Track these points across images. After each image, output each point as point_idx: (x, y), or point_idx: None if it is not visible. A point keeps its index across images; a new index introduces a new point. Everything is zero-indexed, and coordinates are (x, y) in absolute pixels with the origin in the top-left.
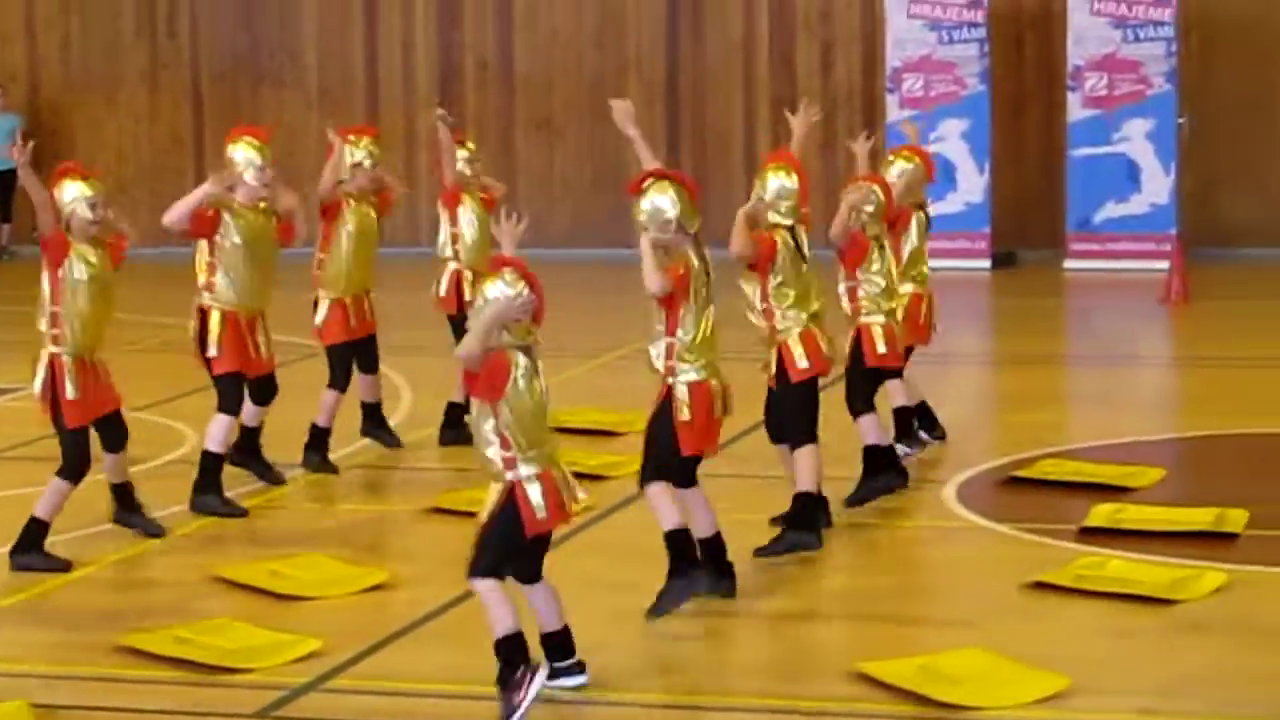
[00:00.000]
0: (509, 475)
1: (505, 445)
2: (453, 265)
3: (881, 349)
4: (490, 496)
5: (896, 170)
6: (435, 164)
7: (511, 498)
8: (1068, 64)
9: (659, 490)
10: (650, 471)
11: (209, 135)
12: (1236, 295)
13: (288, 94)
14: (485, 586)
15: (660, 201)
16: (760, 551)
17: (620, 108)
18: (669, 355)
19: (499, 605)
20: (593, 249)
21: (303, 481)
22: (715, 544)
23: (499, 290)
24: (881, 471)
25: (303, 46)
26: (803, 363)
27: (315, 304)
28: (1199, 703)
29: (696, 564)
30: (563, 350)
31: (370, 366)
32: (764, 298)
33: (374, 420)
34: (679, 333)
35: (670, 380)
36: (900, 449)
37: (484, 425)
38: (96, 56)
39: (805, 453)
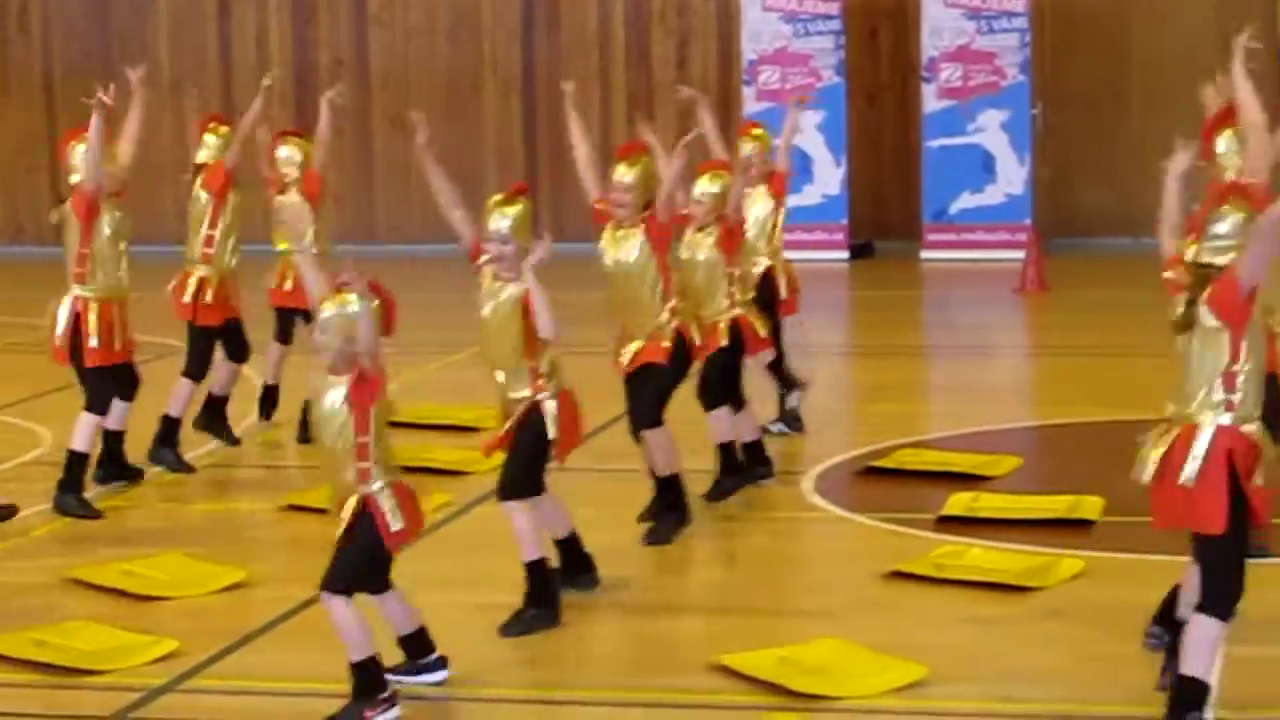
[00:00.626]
0: (363, 488)
1: (363, 456)
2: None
3: (762, 334)
4: (345, 511)
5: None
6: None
7: (368, 511)
8: (922, 56)
9: (523, 515)
10: (510, 488)
11: (62, 131)
12: (1091, 284)
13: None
14: (340, 606)
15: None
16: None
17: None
18: (534, 378)
19: (356, 630)
20: (449, 244)
21: (160, 480)
22: (572, 542)
23: (357, 307)
24: (738, 468)
25: (155, 41)
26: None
27: (184, 285)
28: (1056, 689)
29: (555, 597)
30: (419, 346)
31: (239, 355)
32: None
33: (213, 414)
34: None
35: (539, 398)
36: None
37: (348, 436)
38: None
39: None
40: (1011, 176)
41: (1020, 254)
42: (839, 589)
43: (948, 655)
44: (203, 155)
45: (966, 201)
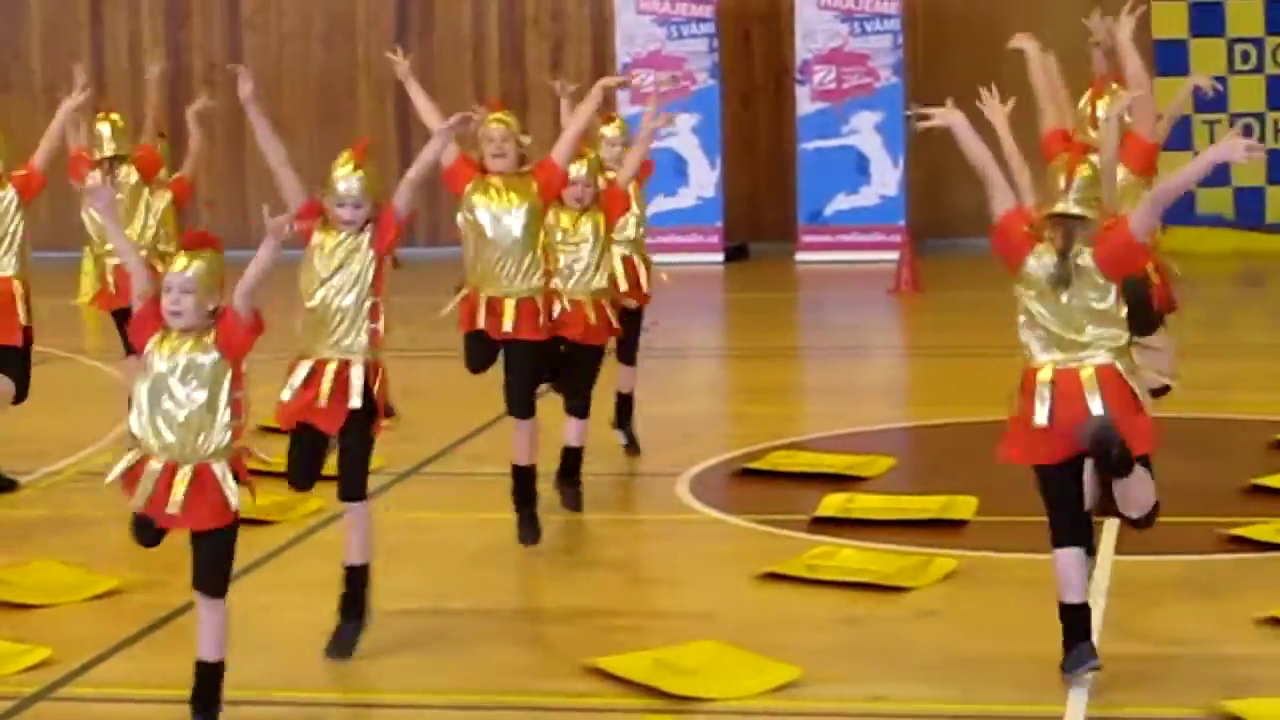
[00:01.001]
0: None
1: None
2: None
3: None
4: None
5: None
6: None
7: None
8: (796, 58)
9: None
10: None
11: None
12: (965, 285)
13: (14, 96)
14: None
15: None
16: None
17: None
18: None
19: (224, 628)
20: None
21: (37, 487)
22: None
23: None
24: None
25: (28, 48)
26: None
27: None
28: (929, 688)
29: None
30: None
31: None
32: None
33: None
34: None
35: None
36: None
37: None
38: None
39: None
40: (886, 178)
41: (894, 255)
42: (713, 591)
43: (821, 656)
44: (110, 148)
45: (841, 203)
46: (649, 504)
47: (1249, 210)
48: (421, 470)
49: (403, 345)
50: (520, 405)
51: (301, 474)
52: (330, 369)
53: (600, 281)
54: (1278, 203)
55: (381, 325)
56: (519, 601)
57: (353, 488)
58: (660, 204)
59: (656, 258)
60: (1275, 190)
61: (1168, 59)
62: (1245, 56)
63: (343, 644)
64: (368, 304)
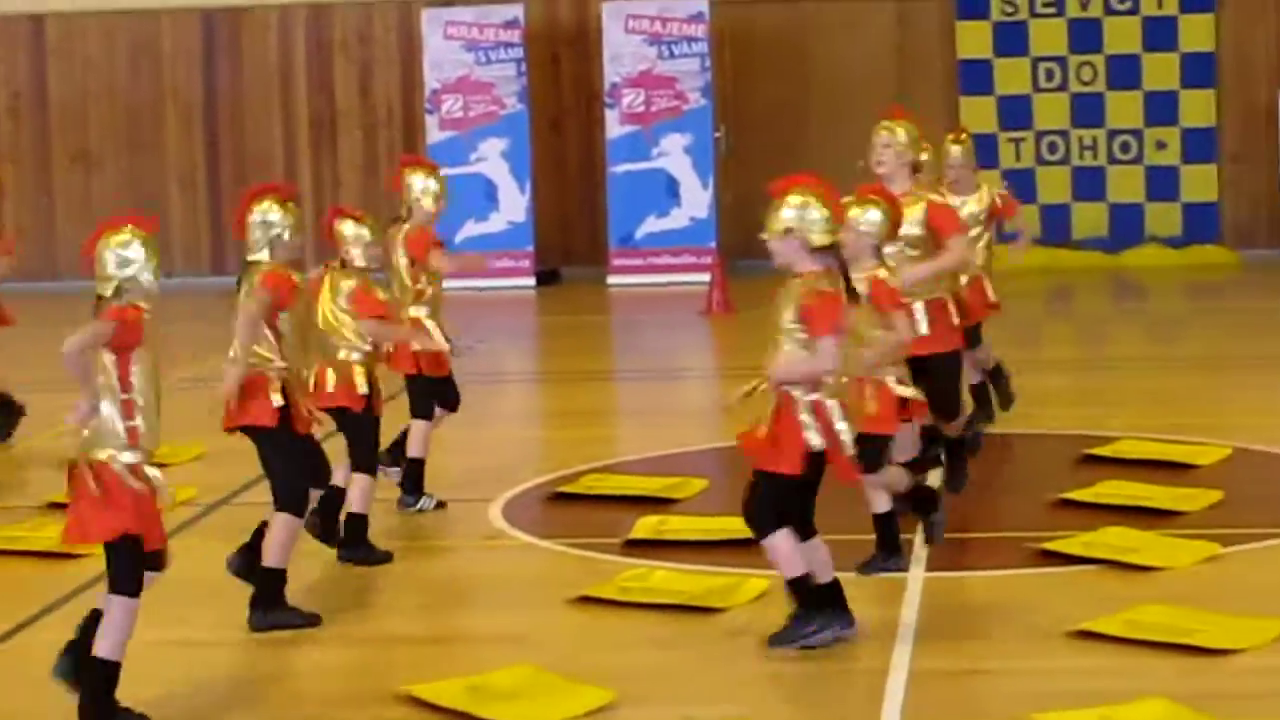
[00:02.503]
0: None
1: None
2: None
3: None
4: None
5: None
6: None
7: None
8: (605, 81)
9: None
10: None
11: None
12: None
13: None
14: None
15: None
16: None
17: None
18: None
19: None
20: None
21: None
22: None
23: None
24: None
25: None
26: None
27: None
28: (742, 708)
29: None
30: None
31: None
32: None
33: None
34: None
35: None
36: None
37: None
38: None
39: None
40: (696, 200)
41: (706, 277)
42: (527, 615)
43: (635, 678)
44: None
45: (652, 226)
46: (462, 529)
47: (1055, 227)
48: (233, 500)
49: None
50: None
51: None
52: None
53: None
54: (1084, 219)
55: None
56: (333, 629)
57: None
58: (471, 229)
59: (469, 282)
60: (1081, 207)
61: (972, 78)
62: (1049, 75)
63: None
64: None
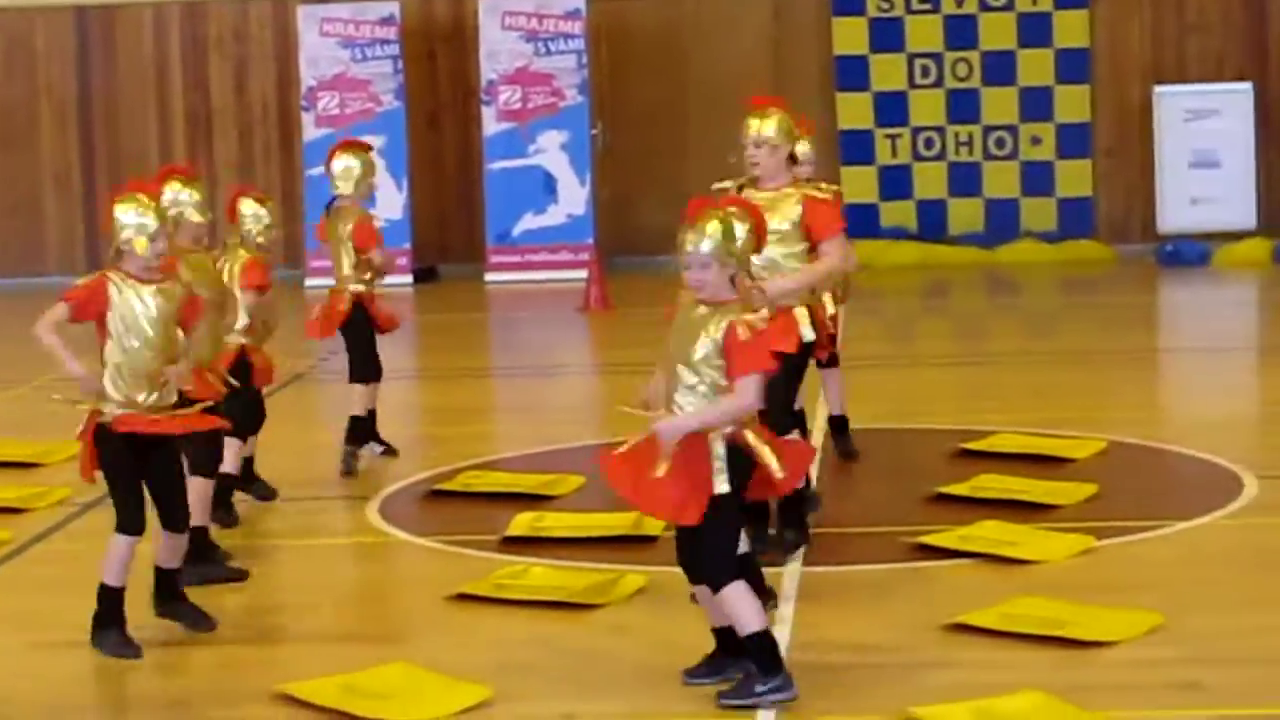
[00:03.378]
0: None
1: None
2: None
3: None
4: None
5: None
6: None
7: None
8: (481, 78)
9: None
10: None
11: None
12: (653, 301)
13: None
14: None
15: None
16: None
17: None
18: None
19: None
20: (5, 279)
21: None
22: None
23: None
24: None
25: None
26: None
27: None
28: (619, 703)
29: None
30: None
31: None
32: None
33: None
34: None
35: None
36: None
37: None
38: None
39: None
40: (573, 197)
41: (583, 274)
42: (403, 613)
43: (511, 675)
44: None
45: (529, 223)
46: (340, 527)
47: (931, 223)
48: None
49: None
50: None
51: None
52: None
53: None
54: (959, 215)
55: None
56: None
57: None
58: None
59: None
60: (956, 203)
61: (848, 74)
62: (925, 71)
63: None
64: None
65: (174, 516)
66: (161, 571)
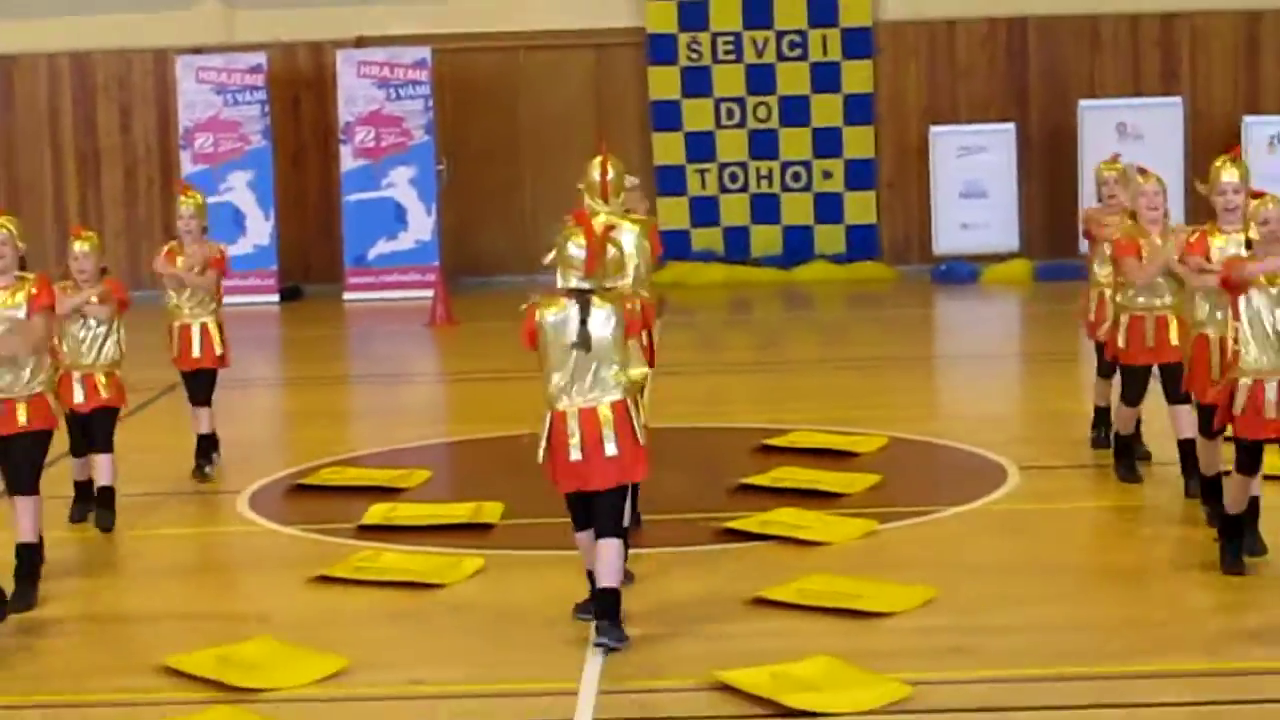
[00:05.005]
0: None
1: None
2: None
3: None
4: None
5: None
6: None
7: None
8: (340, 120)
9: None
10: None
11: None
12: (493, 316)
13: None
14: None
15: None
16: None
17: None
18: None
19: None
20: None
21: None
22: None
23: None
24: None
25: None
26: None
27: None
28: (462, 671)
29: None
30: None
31: None
32: None
33: None
34: None
35: None
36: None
37: None
38: None
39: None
40: (421, 225)
41: (430, 293)
42: (270, 593)
43: (366, 647)
44: None
45: (383, 248)
46: (213, 516)
47: (736, 246)
48: None
49: None
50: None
51: None
52: None
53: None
54: (760, 239)
55: None
56: (95, 606)
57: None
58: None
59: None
60: (757, 229)
61: (663, 116)
62: (730, 113)
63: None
64: None
65: None
66: None
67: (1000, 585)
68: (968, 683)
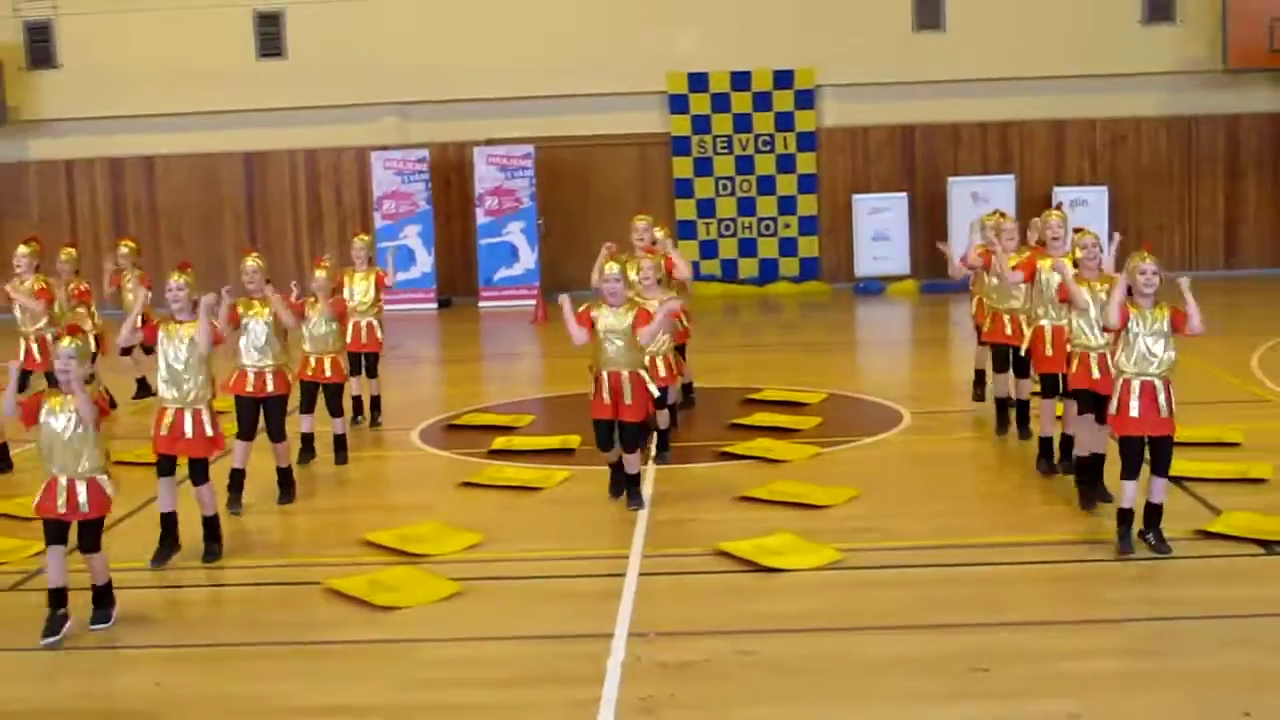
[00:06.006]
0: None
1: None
2: None
3: None
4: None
5: None
6: None
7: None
8: (475, 192)
9: None
10: None
11: None
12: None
13: None
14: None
15: None
16: None
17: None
18: None
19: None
20: None
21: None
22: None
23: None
24: None
25: None
26: None
27: None
28: (554, 542)
29: None
30: None
31: None
32: None
33: None
34: None
35: None
36: None
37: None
38: None
39: None
40: (527, 259)
41: (533, 302)
42: (433, 493)
43: (495, 528)
44: None
45: (503, 273)
46: (397, 445)
47: (729, 272)
48: None
49: None
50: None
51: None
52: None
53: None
54: (744, 267)
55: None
56: (323, 502)
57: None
58: (401, 277)
59: (403, 308)
60: (743, 260)
61: (682, 189)
62: (725, 186)
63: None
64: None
65: None
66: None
67: (901, 489)
68: (878, 550)
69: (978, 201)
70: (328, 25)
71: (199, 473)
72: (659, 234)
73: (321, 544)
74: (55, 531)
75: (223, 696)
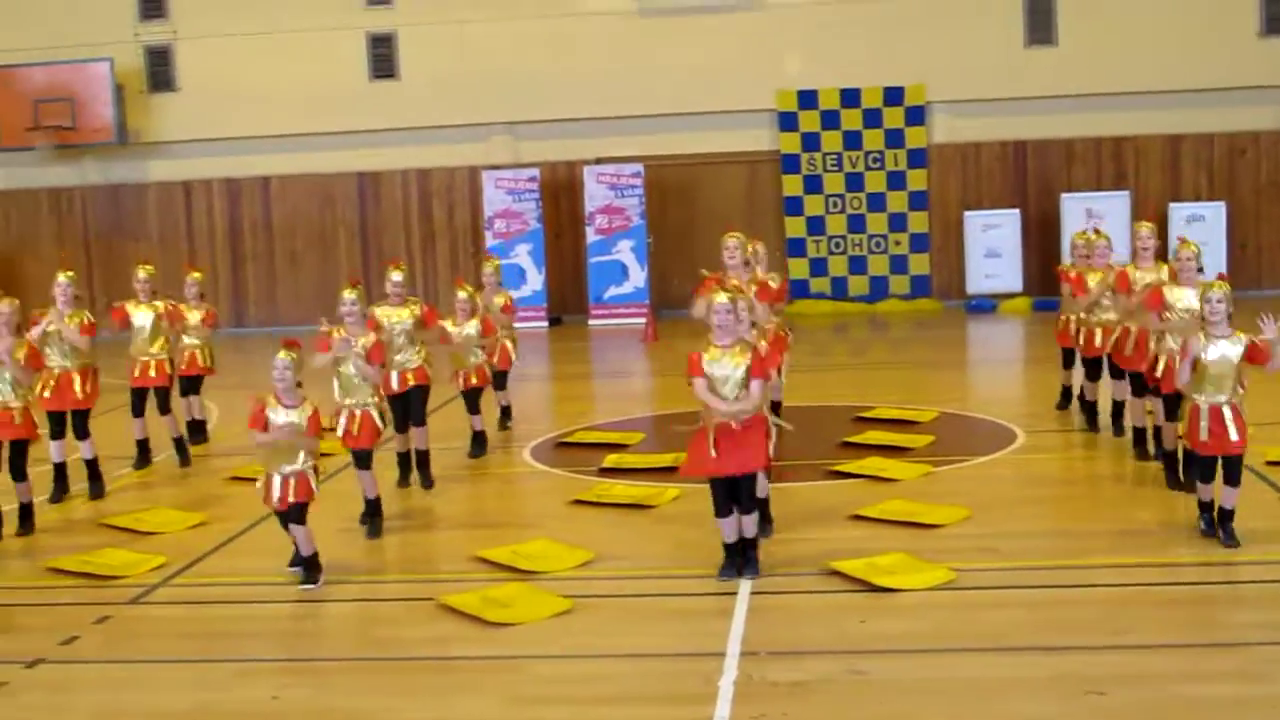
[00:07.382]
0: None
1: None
2: None
3: None
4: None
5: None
6: None
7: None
8: (586, 209)
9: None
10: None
11: None
12: (682, 336)
13: None
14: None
15: None
16: None
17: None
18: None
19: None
20: None
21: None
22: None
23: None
24: None
25: None
26: None
27: None
28: (664, 559)
29: None
30: None
31: None
32: None
33: None
34: None
35: None
36: None
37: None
38: None
39: None
40: (637, 277)
41: (643, 320)
42: (544, 510)
43: (606, 545)
44: None
45: (613, 291)
46: (508, 464)
47: (838, 289)
48: None
49: None
50: None
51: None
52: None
53: None
54: (855, 285)
55: None
56: (437, 519)
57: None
58: (514, 294)
59: (514, 326)
60: (853, 278)
61: (792, 206)
62: (834, 204)
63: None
64: None
65: None
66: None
67: (1014, 508)
68: (991, 570)
69: (1091, 218)
70: (439, 46)
71: (363, 460)
72: (760, 248)
73: (434, 560)
74: (280, 517)
75: (337, 711)
